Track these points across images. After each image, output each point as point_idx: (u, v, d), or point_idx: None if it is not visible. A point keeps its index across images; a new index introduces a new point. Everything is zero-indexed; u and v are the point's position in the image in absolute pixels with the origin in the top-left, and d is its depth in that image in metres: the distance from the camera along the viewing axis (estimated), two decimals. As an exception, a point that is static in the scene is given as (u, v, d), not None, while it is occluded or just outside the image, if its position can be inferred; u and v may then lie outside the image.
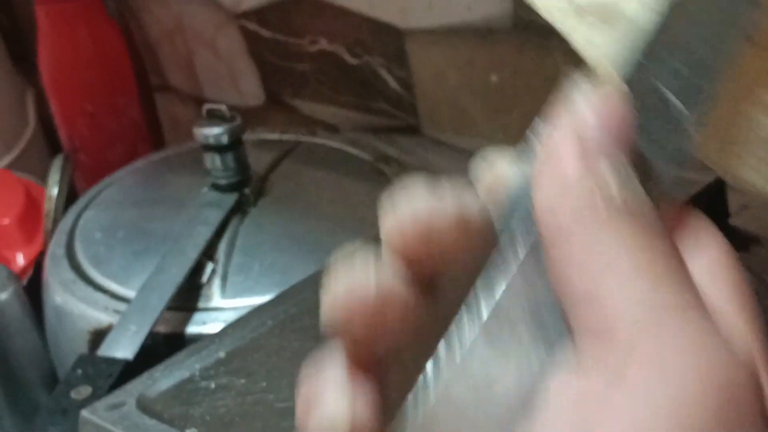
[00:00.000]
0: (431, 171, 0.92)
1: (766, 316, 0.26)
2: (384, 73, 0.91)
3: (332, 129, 0.99)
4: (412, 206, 0.26)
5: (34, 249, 0.90)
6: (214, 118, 0.76)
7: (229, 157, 0.75)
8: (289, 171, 0.84)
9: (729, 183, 0.45)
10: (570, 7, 0.36)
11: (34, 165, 1.16)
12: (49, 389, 0.77)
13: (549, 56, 0.77)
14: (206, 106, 0.76)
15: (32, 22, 0.99)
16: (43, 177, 1.03)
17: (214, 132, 0.74)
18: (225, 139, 0.74)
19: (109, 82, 0.99)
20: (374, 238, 0.69)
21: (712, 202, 0.58)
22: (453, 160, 0.89)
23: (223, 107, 0.75)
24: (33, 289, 0.80)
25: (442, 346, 0.24)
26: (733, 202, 0.59)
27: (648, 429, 0.21)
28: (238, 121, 0.75)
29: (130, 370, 0.61)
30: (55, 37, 0.98)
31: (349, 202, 0.79)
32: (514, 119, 0.82)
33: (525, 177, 0.26)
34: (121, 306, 0.68)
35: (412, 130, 0.92)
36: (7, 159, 1.17)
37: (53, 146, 1.22)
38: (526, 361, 0.24)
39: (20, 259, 0.91)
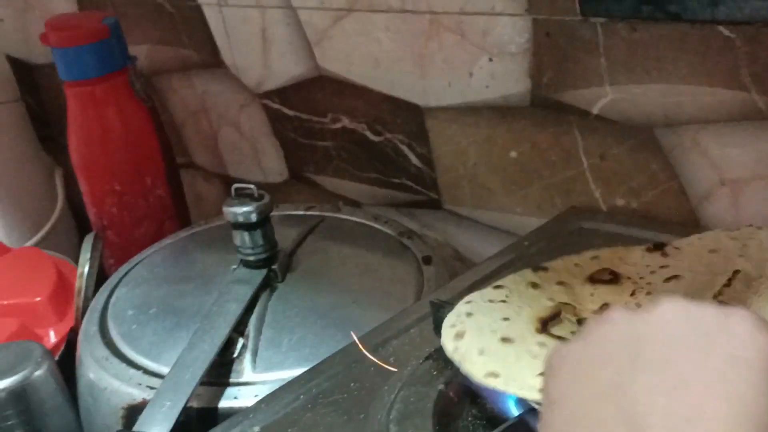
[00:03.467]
0: (452, 245, 0.94)
1: None
2: (405, 150, 0.93)
3: (355, 204, 1.01)
4: None
5: (66, 326, 0.92)
6: (243, 196, 0.78)
7: (258, 235, 0.77)
8: (314, 246, 0.85)
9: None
10: None
11: (61, 243, 1.18)
12: (82, 465, 0.78)
13: (567, 131, 0.79)
14: (235, 186, 0.78)
15: (60, 104, 1.02)
16: (70, 255, 1.05)
17: (243, 210, 0.76)
18: (254, 217, 0.76)
19: (137, 161, 1.01)
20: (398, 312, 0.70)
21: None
22: (474, 233, 0.91)
23: (252, 186, 0.77)
24: (65, 365, 0.81)
25: None
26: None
27: None
28: (266, 199, 0.77)
29: (165, 446, 0.62)
30: (83, 119, 1.00)
31: (374, 276, 0.81)
32: (533, 193, 0.84)
33: None
34: (155, 382, 0.69)
35: (434, 205, 0.94)
36: (36, 237, 1.20)
37: (80, 225, 1.24)
38: None
39: (52, 336, 0.92)
